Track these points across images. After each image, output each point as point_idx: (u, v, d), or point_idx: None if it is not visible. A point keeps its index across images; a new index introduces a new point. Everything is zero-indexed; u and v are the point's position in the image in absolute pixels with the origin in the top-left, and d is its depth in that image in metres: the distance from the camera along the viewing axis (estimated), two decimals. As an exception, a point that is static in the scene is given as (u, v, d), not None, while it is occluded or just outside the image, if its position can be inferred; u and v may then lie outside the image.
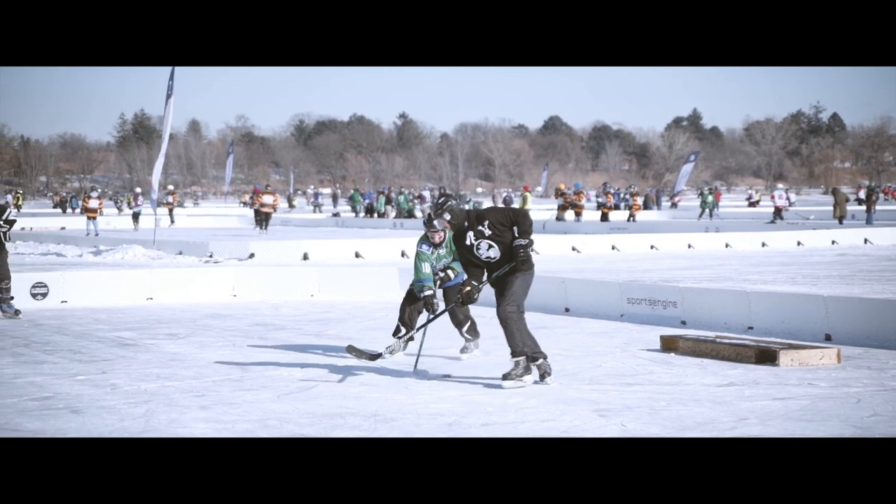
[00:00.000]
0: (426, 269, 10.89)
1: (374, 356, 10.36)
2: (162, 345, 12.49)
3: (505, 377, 9.47)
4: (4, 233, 14.88)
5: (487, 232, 9.53)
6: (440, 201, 9.85)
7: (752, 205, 67.98)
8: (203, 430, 7.89)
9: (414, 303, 11.22)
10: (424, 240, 11.04)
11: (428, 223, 10.80)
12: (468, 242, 9.63)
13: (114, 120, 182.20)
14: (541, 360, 9.60)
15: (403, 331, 11.16)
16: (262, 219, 41.79)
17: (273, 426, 8.01)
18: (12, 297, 15.01)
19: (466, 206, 11.65)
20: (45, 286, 16.72)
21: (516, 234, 9.51)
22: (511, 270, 9.52)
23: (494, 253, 9.54)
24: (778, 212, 47.20)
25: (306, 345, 12.44)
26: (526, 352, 9.47)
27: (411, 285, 11.23)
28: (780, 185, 59.89)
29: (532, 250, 9.54)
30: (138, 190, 57.22)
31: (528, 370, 9.53)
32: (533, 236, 9.61)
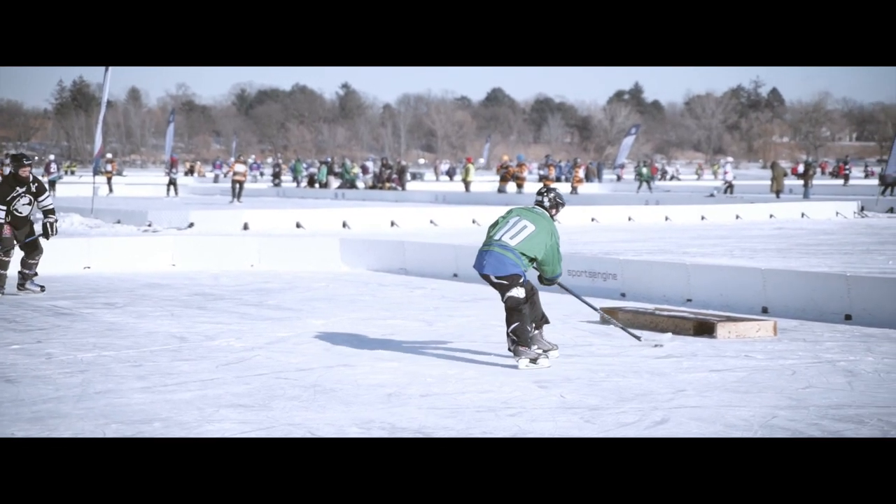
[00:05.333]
0: None
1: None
2: (99, 314, 12.36)
3: None
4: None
5: None
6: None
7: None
8: (140, 399, 7.82)
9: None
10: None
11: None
12: None
13: (52, 86, 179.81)
14: None
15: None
16: (234, 189, 40.92)
17: (211, 397, 7.96)
18: (36, 274, 14.52)
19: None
20: (-20, 254, 16.43)
21: None
22: None
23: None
24: (730, 187, 47.57)
25: (246, 315, 12.37)
26: None
27: (525, 292, 9.36)
28: (729, 159, 60.04)
29: None
30: (51, 157, 55.54)
31: None
32: None
